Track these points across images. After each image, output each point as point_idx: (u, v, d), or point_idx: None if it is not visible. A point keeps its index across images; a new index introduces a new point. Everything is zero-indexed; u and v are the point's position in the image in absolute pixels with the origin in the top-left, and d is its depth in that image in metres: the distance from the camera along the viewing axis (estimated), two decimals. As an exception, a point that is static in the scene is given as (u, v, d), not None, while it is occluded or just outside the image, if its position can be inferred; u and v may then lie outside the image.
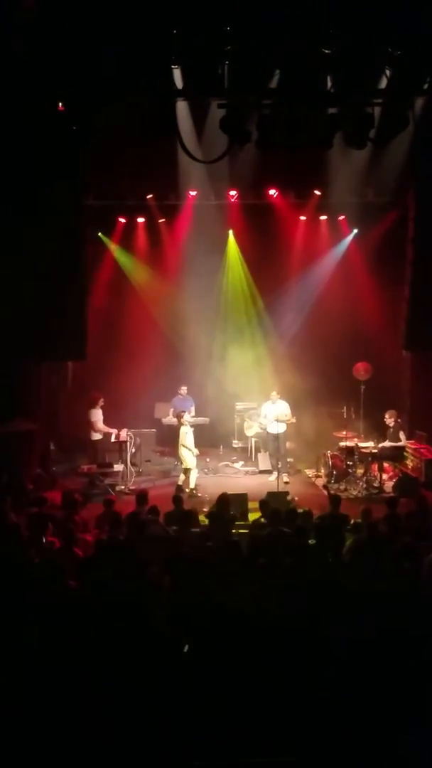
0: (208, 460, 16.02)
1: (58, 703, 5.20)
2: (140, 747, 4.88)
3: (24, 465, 13.71)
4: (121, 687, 5.35)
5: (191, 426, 14.17)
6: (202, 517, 10.34)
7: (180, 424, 13.95)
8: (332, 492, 12.39)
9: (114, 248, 17.00)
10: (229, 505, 10.29)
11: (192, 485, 13.76)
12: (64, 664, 5.60)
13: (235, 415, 17.09)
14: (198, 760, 4.84)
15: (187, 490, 13.43)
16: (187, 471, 13.84)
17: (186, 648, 5.96)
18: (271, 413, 14.82)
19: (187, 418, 14.09)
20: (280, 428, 14.65)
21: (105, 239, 16.82)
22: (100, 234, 16.64)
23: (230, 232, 17.20)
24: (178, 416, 14.13)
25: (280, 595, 6.91)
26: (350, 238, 16.92)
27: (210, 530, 9.53)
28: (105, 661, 5.67)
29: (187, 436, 13.79)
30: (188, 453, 13.76)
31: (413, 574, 7.34)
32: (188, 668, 5.72)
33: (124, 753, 4.86)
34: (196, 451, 13.90)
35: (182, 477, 13.90)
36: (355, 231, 16.82)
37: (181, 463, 13.96)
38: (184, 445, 13.74)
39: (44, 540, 8.63)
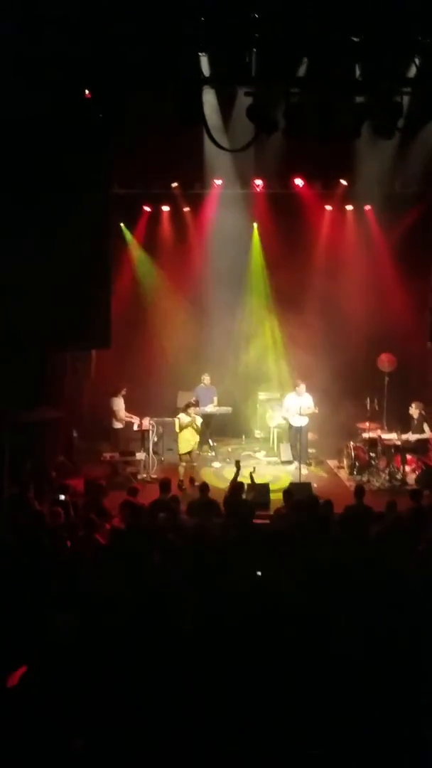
0: (230, 449, 16.04)
1: (79, 690, 5.23)
2: (163, 735, 4.89)
3: (47, 453, 13.79)
4: (143, 676, 5.37)
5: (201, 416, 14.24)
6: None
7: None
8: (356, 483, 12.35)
9: (135, 241, 17.02)
10: (242, 492, 10.30)
11: (181, 476, 13.66)
12: (86, 651, 5.64)
13: (257, 405, 17.09)
14: (222, 751, 4.85)
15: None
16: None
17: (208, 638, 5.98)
18: (294, 406, 14.75)
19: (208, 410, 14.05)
20: (303, 420, 14.61)
21: (126, 233, 16.83)
22: (121, 225, 16.63)
23: (254, 225, 17.17)
24: (187, 405, 14.08)
25: (303, 586, 6.90)
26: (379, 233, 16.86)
27: (228, 519, 9.56)
28: (126, 649, 5.70)
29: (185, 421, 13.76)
30: (184, 442, 13.72)
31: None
32: (211, 659, 5.72)
33: (146, 741, 4.88)
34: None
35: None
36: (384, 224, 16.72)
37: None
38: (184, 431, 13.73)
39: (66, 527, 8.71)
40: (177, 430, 13.77)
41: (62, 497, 9.94)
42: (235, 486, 10.34)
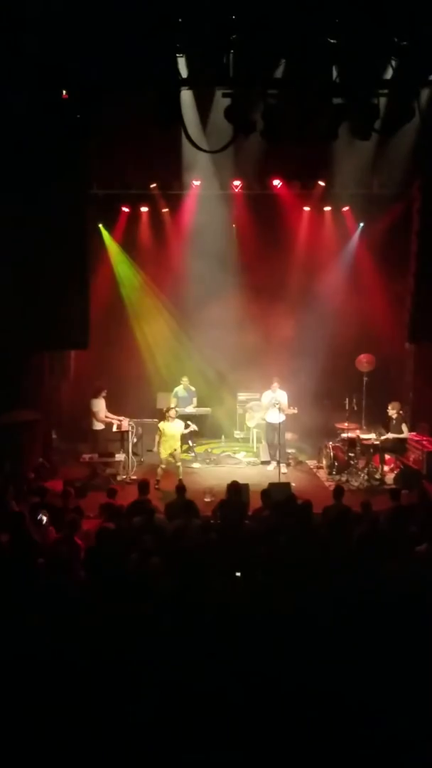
0: (209, 450, 16.04)
1: (59, 694, 5.23)
2: (139, 738, 4.89)
3: (26, 454, 13.73)
4: (120, 680, 5.37)
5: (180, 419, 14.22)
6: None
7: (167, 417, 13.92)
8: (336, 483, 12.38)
9: (114, 241, 16.99)
10: (240, 492, 10.30)
11: (158, 477, 13.61)
12: (67, 654, 5.62)
13: (237, 406, 17.10)
14: (193, 753, 4.86)
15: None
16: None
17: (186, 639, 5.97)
18: (268, 402, 14.80)
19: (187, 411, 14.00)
20: (279, 418, 14.62)
21: (105, 233, 16.80)
22: (100, 225, 16.59)
23: (233, 225, 17.18)
24: (167, 409, 14.07)
25: (282, 586, 6.91)
26: (357, 234, 16.93)
27: (223, 519, 9.55)
28: (106, 651, 5.69)
29: (170, 428, 13.78)
30: (164, 445, 13.74)
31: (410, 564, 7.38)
32: (188, 660, 5.72)
33: (124, 742, 4.88)
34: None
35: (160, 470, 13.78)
36: (362, 225, 16.79)
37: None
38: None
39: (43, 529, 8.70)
40: (157, 437, 13.83)
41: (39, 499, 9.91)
42: (234, 487, 10.29)
